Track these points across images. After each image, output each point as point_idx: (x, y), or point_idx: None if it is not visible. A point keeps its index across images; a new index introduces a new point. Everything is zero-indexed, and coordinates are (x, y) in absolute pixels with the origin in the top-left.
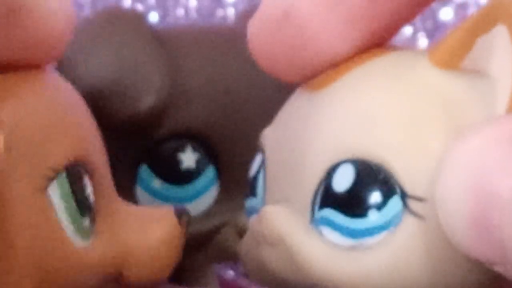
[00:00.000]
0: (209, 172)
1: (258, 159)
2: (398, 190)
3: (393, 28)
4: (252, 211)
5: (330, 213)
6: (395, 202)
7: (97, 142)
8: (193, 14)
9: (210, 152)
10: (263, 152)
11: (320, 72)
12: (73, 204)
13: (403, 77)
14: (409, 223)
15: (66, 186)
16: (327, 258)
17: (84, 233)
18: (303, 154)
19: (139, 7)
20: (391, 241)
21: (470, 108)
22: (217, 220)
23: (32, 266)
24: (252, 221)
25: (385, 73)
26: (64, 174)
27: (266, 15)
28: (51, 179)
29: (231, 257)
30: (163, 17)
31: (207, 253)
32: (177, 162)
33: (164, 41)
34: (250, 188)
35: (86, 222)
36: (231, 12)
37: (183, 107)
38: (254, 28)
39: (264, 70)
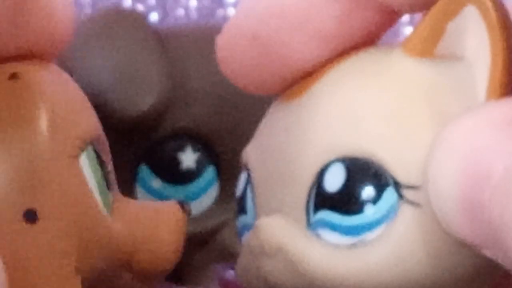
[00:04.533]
0: (209, 172)
1: (243, 177)
2: (391, 181)
3: (366, 43)
4: (244, 228)
5: (326, 215)
6: (389, 193)
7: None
8: (193, 14)
9: (210, 152)
10: (247, 169)
11: (293, 84)
12: (101, 176)
13: (380, 71)
14: (406, 213)
15: (94, 158)
16: (329, 259)
17: (109, 207)
18: (290, 163)
19: (139, 7)
20: (391, 233)
21: (451, 92)
22: (217, 220)
23: (68, 232)
24: (247, 237)
25: (362, 70)
26: (90, 147)
27: (234, 35)
28: (81, 150)
29: (231, 257)
30: (163, 17)
31: (207, 253)
32: (177, 162)
33: (164, 41)
34: (239, 206)
35: (110, 196)
36: (231, 12)
37: (183, 107)
38: (222, 46)
39: (235, 84)
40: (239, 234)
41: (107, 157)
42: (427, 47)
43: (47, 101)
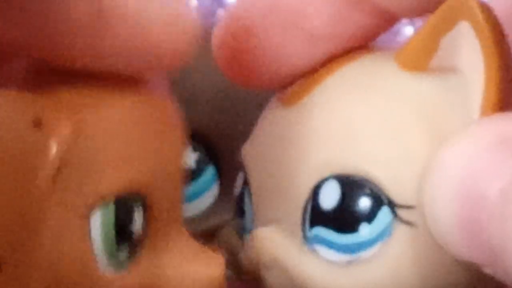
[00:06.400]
0: (209, 172)
1: (240, 178)
2: (386, 201)
3: (358, 43)
4: (243, 230)
5: (321, 231)
6: (384, 213)
7: (172, 172)
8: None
9: (210, 152)
10: (244, 170)
11: (290, 81)
12: (113, 236)
13: (375, 85)
14: (401, 232)
15: (111, 217)
16: (324, 276)
17: (118, 265)
18: (286, 175)
19: None
20: (386, 252)
21: (445, 107)
22: (217, 220)
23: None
24: (245, 244)
25: (357, 83)
26: (112, 204)
27: (228, 30)
28: (96, 207)
29: (231, 257)
30: None
31: None
32: None
33: None
34: (237, 207)
35: (123, 255)
36: None
37: (182, 107)
38: (217, 41)
39: (230, 80)
40: (239, 234)
41: (159, 205)
42: (421, 62)
43: (60, 156)
